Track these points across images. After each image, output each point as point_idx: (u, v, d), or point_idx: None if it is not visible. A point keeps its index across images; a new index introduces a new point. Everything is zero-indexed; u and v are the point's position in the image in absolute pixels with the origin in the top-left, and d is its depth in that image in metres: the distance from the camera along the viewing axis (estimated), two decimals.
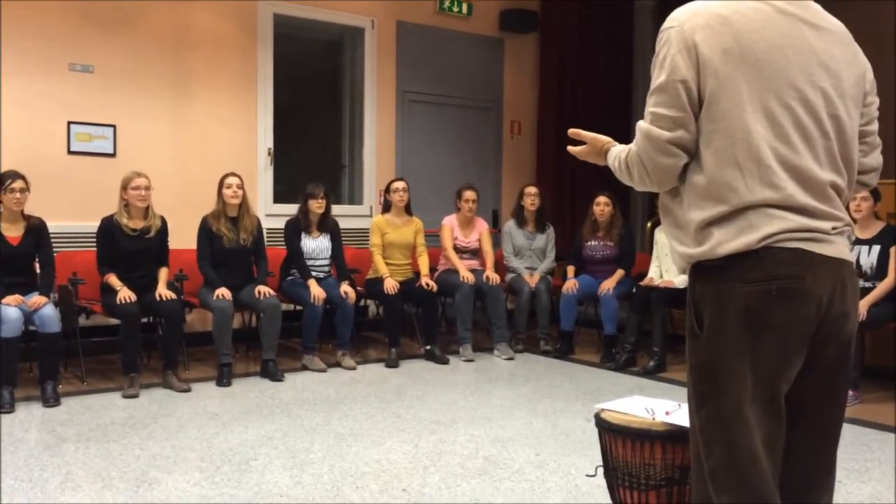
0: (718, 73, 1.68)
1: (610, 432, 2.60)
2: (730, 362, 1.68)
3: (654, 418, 2.54)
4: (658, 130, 1.72)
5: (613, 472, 2.61)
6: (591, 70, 7.97)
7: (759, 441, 1.66)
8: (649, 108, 1.75)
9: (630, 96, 8.36)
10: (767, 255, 1.65)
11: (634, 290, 5.91)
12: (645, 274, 5.98)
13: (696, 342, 1.74)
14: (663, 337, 5.54)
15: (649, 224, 7.52)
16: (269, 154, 6.53)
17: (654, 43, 1.80)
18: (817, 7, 1.79)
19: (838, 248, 1.71)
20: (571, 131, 2.03)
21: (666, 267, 5.82)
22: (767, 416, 1.68)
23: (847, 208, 1.81)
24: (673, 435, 2.46)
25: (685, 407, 2.56)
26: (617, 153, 1.90)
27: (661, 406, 2.63)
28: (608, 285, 5.94)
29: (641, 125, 1.77)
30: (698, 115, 1.71)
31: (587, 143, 2.02)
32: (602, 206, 6.14)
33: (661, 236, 5.93)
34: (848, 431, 3.96)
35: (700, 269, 1.74)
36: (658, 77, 1.73)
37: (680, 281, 5.56)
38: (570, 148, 2.07)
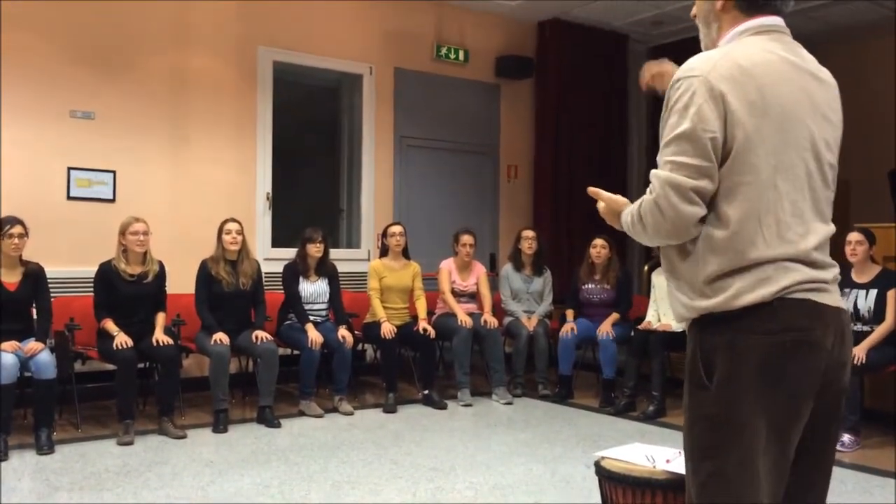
0: (746, 125, 1.66)
1: (610, 481, 2.58)
2: (745, 415, 1.64)
3: (654, 466, 2.53)
4: (680, 178, 1.66)
5: None
6: (586, 114, 8.05)
7: (765, 497, 1.64)
8: (669, 157, 1.69)
9: (626, 140, 8.42)
10: (781, 306, 1.65)
11: (633, 333, 5.90)
12: (643, 317, 5.98)
13: (704, 394, 1.68)
14: (662, 381, 5.52)
15: (646, 267, 7.53)
16: (268, 198, 6.56)
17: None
18: (810, 55, 1.81)
19: (836, 298, 1.75)
20: (591, 190, 1.97)
21: (664, 310, 5.81)
22: (776, 471, 1.66)
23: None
24: (674, 483, 2.44)
25: None
26: (629, 210, 1.82)
27: (662, 454, 2.62)
28: (605, 328, 5.94)
29: (660, 174, 1.70)
30: (720, 166, 1.67)
31: (605, 203, 1.94)
32: (599, 248, 6.17)
33: (658, 280, 5.94)
34: (849, 478, 3.97)
35: (709, 321, 1.70)
36: (680, 125, 1.67)
37: (678, 325, 5.55)
38: (598, 205, 1.97)
